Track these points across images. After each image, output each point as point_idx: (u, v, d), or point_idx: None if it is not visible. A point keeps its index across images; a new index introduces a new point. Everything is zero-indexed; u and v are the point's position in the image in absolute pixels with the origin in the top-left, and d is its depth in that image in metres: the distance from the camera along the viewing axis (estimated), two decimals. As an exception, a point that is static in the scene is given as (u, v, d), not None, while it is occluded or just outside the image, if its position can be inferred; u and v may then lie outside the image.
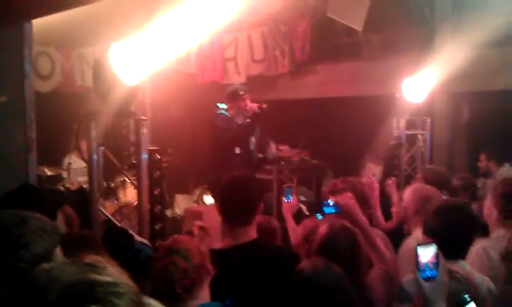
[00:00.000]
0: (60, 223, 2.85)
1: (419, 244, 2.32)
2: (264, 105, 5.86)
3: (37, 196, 2.96)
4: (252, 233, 2.84)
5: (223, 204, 2.91)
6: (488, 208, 3.60)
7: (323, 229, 2.77)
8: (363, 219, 3.04)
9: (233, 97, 5.90)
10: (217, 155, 5.74)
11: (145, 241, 3.34)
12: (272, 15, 8.69)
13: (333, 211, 3.08)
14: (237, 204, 2.83)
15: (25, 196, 2.91)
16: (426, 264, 2.26)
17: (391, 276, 2.92)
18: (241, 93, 5.93)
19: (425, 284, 2.24)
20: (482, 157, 6.94)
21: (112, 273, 1.21)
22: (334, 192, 3.46)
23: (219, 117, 5.86)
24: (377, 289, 2.78)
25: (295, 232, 3.59)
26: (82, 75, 8.54)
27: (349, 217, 3.00)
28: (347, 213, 3.04)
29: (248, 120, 5.79)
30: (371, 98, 7.69)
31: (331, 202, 3.09)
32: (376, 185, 4.23)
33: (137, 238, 3.47)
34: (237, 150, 5.78)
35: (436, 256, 2.27)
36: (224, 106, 5.97)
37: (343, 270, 2.45)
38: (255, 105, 5.84)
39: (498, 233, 3.44)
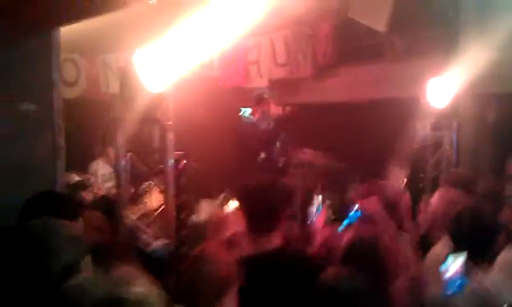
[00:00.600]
0: (80, 228, 2.87)
1: (449, 253, 2.30)
2: (287, 109, 5.87)
3: (57, 202, 2.99)
4: (276, 240, 2.82)
5: (246, 211, 2.89)
6: None
7: (348, 236, 2.72)
8: (389, 224, 3.00)
9: (258, 101, 5.91)
10: (243, 160, 5.74)
11: (164, 242, 3.37)
12: (295, 17, 8.67)
13: (358, 216, 3.04)
14: (260, 210, 2.82)
15: (46, 202, 2.95)
16: (455, 273, 2.23)
17: (418, 285, 2.87)
18: (266, 96, 5.94)
19: (455, 294, 2.21)
20: (510, 160, 6.79)
21: (142, 285, 1.21)
22: (361, 196, 3.44)
23: (243, 122, 5.88)
24: (403, 299, 2.74)
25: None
26: (107, 82, 8.61)
27: (374, 222, 2.96)
28: (372, 218, 3.00)
29: (272, 124, 5.80)
30: (395, 100, 7.63)
31: (356, 206, 3.05)
32: (406, 194, 4.13)
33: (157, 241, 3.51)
34: (262, 155, 5.79)
35: (465, 265, 2.25)
36: (248, 110, 5.99)
37: (368, 278, 2.42)
38: (278, 109, 5.86)
39: None
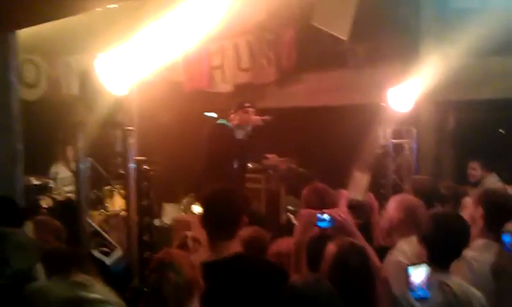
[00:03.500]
0: (28, 232, 2.83)
1: (410, 264, 2.33)
2: (267, 118, 5.89)
3: (4, 207, 2.94)
4: (234, 247, 2.83)
5: (205, 218, 2.90)
6: (471, 218, 3.60)
7: (332, 248, 2.69)
8: (359, 234, 3.01)
9: (238, 107, 5.91)
10: (214, 167, 5.67)
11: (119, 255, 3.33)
12: (258, 23, 8.71)
13: (328, 225, 3.03)
14: (218, 218, 2.83)
15: None
16: (418, 284, 2.26)
17: (391, 293, 2.88)
18: (247, 104, 5.94)
19: (418, 305, 2.24)
20: (475, 165, 6.94)
21: (100, 291, 1.21)
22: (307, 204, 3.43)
23: (218, 128, 5.84)
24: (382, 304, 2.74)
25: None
26: (68, 84, 8.47)
27: (345, 231, 2.96)
28: (343, 227, 2.99)
29: (249, 131, 5.81)
30: (357, 106, 7.72)
31: (326, 216, 3.03)
32: (375, 203, 4.16)
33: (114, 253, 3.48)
34: (235, 164, 5.80)
35: (428, 276, 2.28)
36: (213, 115, 5.99)
37: (356, 291, 2.40)
38: (258, 118, 5.86)
39: (481, 243, 3.46)
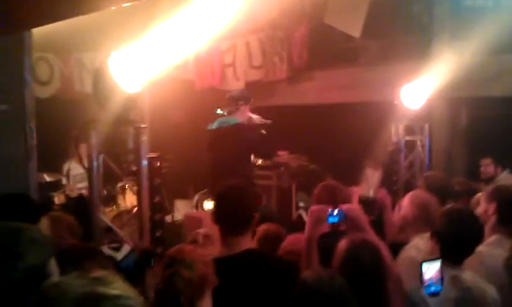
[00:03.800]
0: (43, 228, 2.85)
1: (423, 260, 2.32)
2: (269, 122, 5.90)
3: (15, 205, 2.97)
4: (246, 243, 2.84)
5: (217, 213, 2.91)
6: (484, 213, 3.60)
7: (343, 244, 2.66)
8: (371, 230, 2.99)
9: (231, 103, 5.93)
10: (224, 164, 5.67)
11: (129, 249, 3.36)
12: (270, 21, 8.72)
13: (337, 220, 3.02)
14: (230, 214, 2.84)
15: (3, 205, 2.93)
16: (431, 280, 2.26)
17: (403, 289, 2.86)
18: (241, 102, 5.95)
19: (431, 300, 2.24)
20: (488, 161, 6.86)
21: (120, 287, 1.21)
22: (318, 201, 3.42)
23: (235, 127, 5.86)
24: (396, 303, 2.72)
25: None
26: (81, 81, 8.51)
27: (356, 227, 2.95)
28: (354, 223, 2.98)
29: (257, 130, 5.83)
30: (369, 104, 7.71)
31: (337, 212, 3.02)
32: (388, 199, 4.11)
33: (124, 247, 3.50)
34: (252, 158, 5.82)
35: (441, 270, 2.27)
36: (224, 112, 6.00)
37: (368, 287, 2.39)
38: (259, 123, 5.86)
39: (493, 239, 3.45)
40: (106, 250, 3.61)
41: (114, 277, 1.25)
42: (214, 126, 6.01)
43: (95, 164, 4.22)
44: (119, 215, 6.48)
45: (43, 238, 1.90)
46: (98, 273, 1.25)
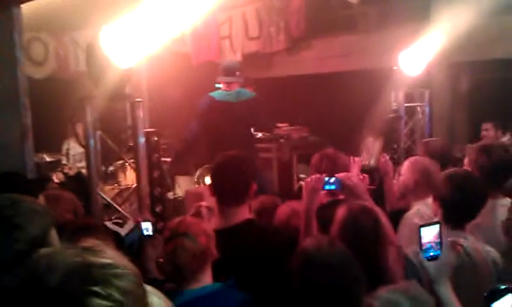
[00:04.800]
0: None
1: (422, 224, 2.29)
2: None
3: (16, 181, 2.96)
4: (244, 213, 2.81)
5: (214, 184, 2.89)
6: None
7: (342, 211, 2.60)
8: (369, 197, 2.96)
9: (229, 74, 5.90)
10: (239, 135, 5.65)
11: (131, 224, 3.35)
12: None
13: (334, 188, 2.99)
14: (227, 184, 2.81)
15: (3, 182, 2.92)
16: (429, 244, 2.23)
17: (404, 254, 2.82)
18: (238, 73, 5.90)
19: (429, 264, 2.21)
20: (488, 125, 6.78)
21: (111, 256, 1.19)
22: (317, 169, 3.36)
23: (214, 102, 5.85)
24: (396, 269, 2.69)
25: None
26: (77, 61, 8.44)
27: (355, 195, 2.91)
28: (352, 191, 2.94)
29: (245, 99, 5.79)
30: (368, 71, 7.63)
31: (333, 179, 2.98)
32: (389, 167, 4.06)
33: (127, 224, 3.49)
34: (253, 130, 5.82)
35: (440, 235, 2.24)
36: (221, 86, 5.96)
37: (367, 253, 2.36)
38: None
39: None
40: (110, 225, 3.60)
41: (105, 246, 1.22)
42: (216, 96, 5.95)
43: (91, 141, 4.17)
44: (120, 193, 6.46)
45: (40, 208, 1.89)
46: (89, 243, 1.22)
